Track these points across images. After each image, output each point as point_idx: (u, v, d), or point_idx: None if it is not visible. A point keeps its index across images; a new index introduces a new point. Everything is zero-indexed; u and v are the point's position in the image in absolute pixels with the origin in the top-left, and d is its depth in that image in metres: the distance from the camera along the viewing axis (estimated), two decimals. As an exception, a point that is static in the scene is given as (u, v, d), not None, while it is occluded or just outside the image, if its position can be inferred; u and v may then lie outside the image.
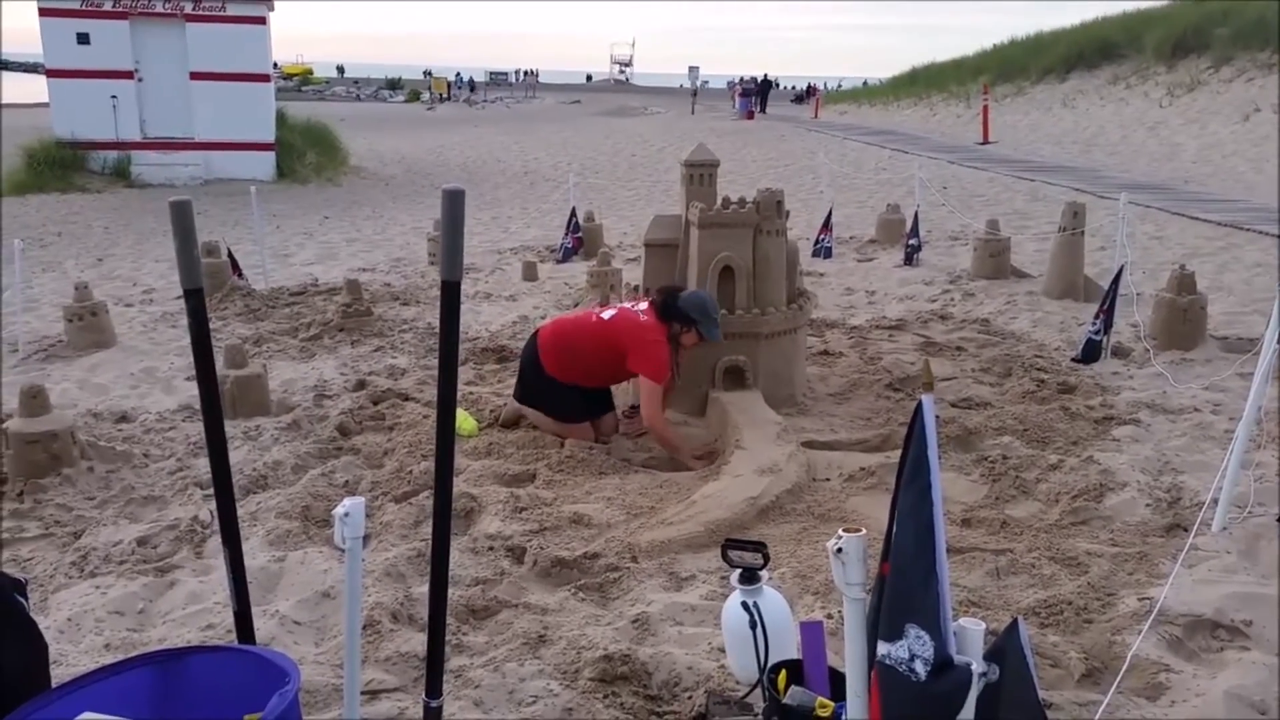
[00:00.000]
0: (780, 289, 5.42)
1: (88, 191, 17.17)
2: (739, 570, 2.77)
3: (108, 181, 17.91)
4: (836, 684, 2.36)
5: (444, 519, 2.00)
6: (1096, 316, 6.05)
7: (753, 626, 2.56)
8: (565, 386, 4.95)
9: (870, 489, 4.30)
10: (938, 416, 5.09)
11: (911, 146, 24.57)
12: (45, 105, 19.07)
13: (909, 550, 1.45)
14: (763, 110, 47.52)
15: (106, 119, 18.11)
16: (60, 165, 17.70)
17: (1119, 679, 2.78)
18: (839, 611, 3.21)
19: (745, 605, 2.60)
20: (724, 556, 2.80)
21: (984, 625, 1.52)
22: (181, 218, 1.89)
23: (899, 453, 4.74)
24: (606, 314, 5.02)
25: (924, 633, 1.42)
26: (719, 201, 5.37)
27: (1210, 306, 6.80)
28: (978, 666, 1.46)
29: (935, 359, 6.32)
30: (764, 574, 2.79)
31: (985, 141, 25.21)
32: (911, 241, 9.81)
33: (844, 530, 1.49)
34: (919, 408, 1.49)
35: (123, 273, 10.44)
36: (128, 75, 18.34)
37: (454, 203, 1.80)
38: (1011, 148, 23.73)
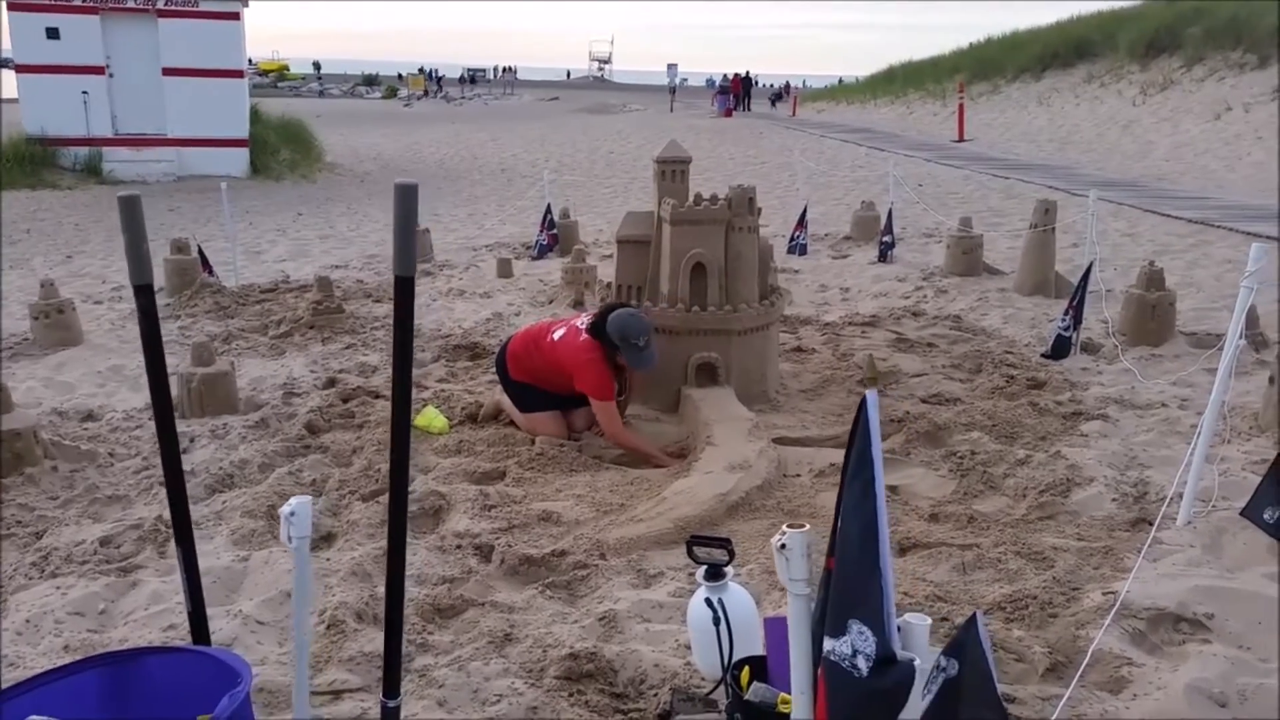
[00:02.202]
0: (752, 286, 5.42)
1: (58, 188, 16.95)
2: (704, 566, 2.76)
3: (79, 178, 17.70)
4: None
5: (400, 516, 1.98)
6: (1065, 312, 6.08)
7: (716, 623, 2.55)
8: (535, 390, 4.97)
9: (839, 485, 4.30)
10: (908, 412, 5.12)
11: (888, 144, 24.68)
12: (15, 101, 18.82)
13: (853, 545, 1.45)
14: (745, 108, 47.54)
15: (77, 115, 17.89)
16: (30, 162, 17.46)
17: (1080, 673, 2.79)
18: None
19: (709, 602, 2.59)
20: (689, 553, 2.79)
21: (929, 620, 1.51)
22: (130, 212, 1.86)
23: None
24: (557, 334, 4.98)
25: (866, 628, 1.41)
26: (691, 198, 5.37)
27: (1180, 303, 6.85)
28: (920, 662, 1.45)
29: (906, 355, 6.34)
30: (729, 570, 2.78)
31: (960, 139, 25.36)
32: (885, 239, 9.84)
33: (788, 526, 1.48)
34: (863, 403, 1.48)
35: (92, 270, 10.32)
36: (99, 71, 18.13)
37: (406, 197, 1.78)
38: (987, 145, 23.88)
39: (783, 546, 1.46)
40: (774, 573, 3.50)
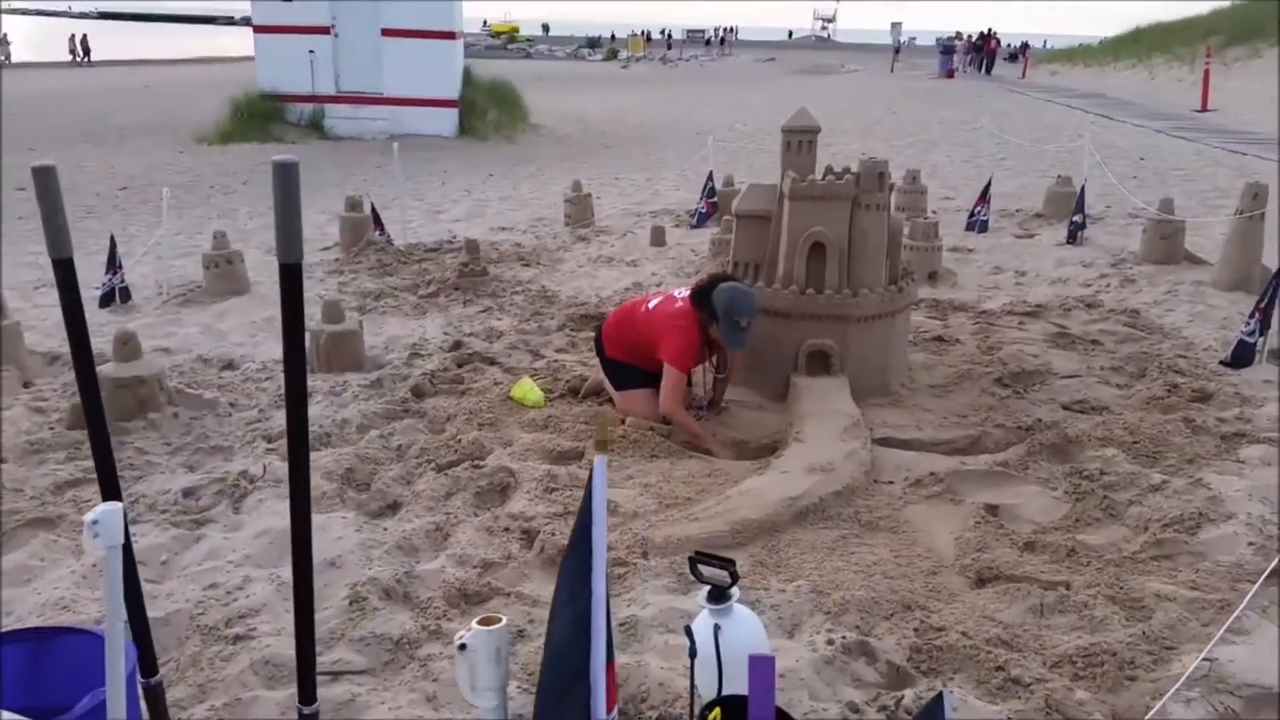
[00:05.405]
0: (878, 269, 5.01)
1: (284, 142, 18.16)
2: (707, 587, 2.52)
3: (303, 133, 18.89)
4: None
5: (303, 524, 1.87)
6: (1252, 315, 5.28)
7: (692, 656, 2.31)
8: (631, 368, 4.82)
9: (933, 498, 3.90)
10: (1039, 420, 4.61)
11: (1118, 112, 22.66)
12: (251, 59, 20.27)
13: (562, 645, 1.19)
14: (988, 71, 45.45)
15: (304, 73, 19.03)
16: (261, 116, 18.82)
17: (1137, 757, 2.37)
18: (840, 638, 2.91)
19: (687, 630, 2.35)
20: (692, 570, 2.56)
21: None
22: (44, 183, 1.81)
23: (984, 458, 4.23)
24: (652, 303, 4.86)
25: None
26: (820, 171, 5.01)
27: None
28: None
29: (1063, 352, 5.72)
30: (735, 592, 2.54)
31: (1203, 109, 22.94)
32: (1076, 218, 8.96)
33: (478, 621, 1.24)
34: (592, 473, 1.21)
35: (285, 222, 10.92)
36: (325, 30, 19.16)
37: (286, 177, 1.63)
38: (1232, 117, 21.46)
39: (463, 647, 1.22)
40: (823, 593, 3.20)
